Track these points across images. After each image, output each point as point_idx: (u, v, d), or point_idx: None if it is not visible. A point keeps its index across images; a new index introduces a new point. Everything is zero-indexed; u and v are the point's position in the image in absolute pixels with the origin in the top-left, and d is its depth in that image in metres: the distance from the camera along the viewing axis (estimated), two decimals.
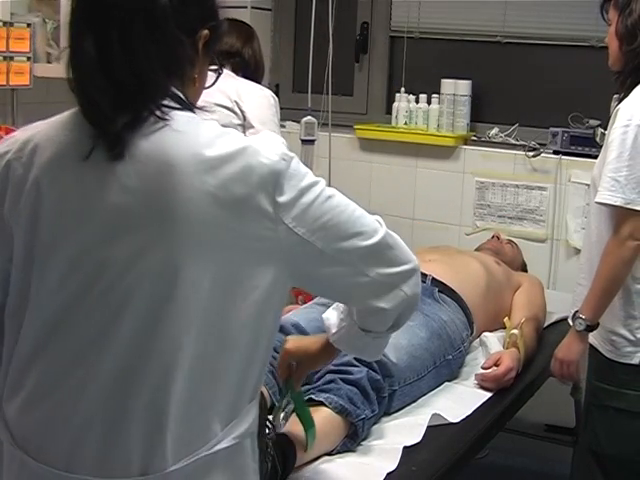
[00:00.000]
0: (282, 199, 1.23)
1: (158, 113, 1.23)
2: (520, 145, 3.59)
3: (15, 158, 1.26)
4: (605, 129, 2.35)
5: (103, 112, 1.21)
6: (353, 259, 1.32)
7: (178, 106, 1.25)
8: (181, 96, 1.27)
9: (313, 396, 1.99)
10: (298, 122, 3.82)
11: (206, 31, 1.29)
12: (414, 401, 2.27)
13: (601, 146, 2.27)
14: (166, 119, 1.23)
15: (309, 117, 3.21)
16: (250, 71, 3.03)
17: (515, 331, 2.56)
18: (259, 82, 3.03)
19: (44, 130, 1.28)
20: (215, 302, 1.23)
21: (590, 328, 2.19)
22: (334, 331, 1.60)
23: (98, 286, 1.21)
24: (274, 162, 1.24)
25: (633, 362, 2.16)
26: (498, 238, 3.38)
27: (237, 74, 2.99)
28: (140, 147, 1.22)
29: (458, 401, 2.31)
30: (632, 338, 2.17)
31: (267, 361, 1.35)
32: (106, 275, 1.21)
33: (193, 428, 1.24)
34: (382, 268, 1.34)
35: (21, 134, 1.30)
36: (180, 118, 1.25)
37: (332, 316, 1.62)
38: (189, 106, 1.28)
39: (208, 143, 1.23)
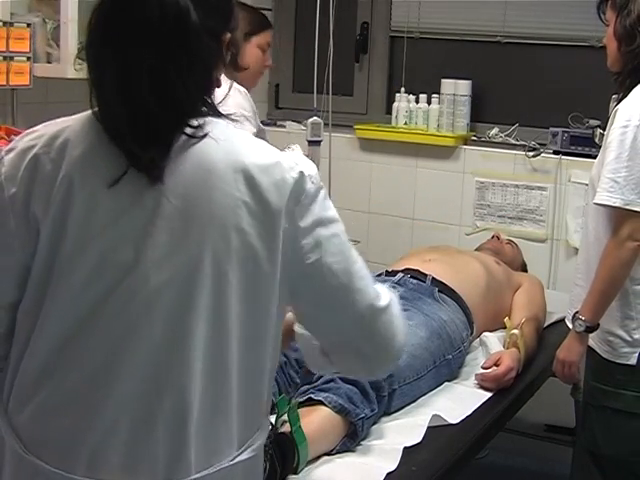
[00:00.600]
0: (303, 223, 1.25)
1: (193, 132, 1.22)
2: (520, 145, 3.59)
3: (43, 153, 1.24)
4: (604, 130, 2.34)
5: (136, 146, 1.19)
6: (344, 315, 1.31)
7: (211, 113, 1.25)
8: (213, 104, 1.27)
9: (312, 395, 1.99)
10: (299, 122, 3.83)
11: (228, 34, 1.28)
12: (414, 401, 2.28)
13: (600, 146, 2.27)
14: (203, 132, 1.23)
15: (315, 118, 3.19)
16: None
17: (515, 331, 2.56)
18: (232, 62, 2.88)
19: (73, 126, 1.26)
20: (232, 309, 1.23)
21: (590, 329, 2.18)
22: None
23: (125, 288, 1.20)
24: (305, 182, 1.25)
25: (630, 363, 2.16)
26: (498, 238, 3.38)
27: None
28: (176, 152, 1.21)
29: (458, 401, 2.31)
30: (629, 339, 2.17)
31: (274, 374, 1.37)
32: (134, 276, 1.20)
33: (216, 439, 1.26)
34: (367, 340, 1.32)
35: (46, 129, 1.27)
36: (216, 125, 1.25)
37: None
38: (219, 113, 1.27)
39: (245, 152, 1.24)
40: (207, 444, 1.25)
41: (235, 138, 1.26)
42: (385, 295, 1.34)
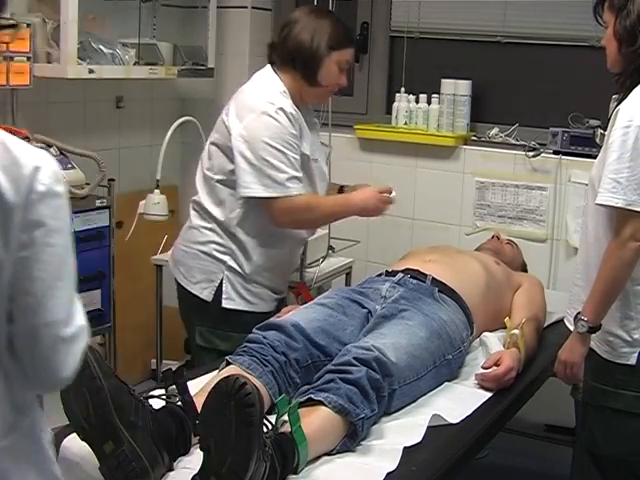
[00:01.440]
0: (27, 217, 1.23)
1: None
2: (520, 145, 3.59)
3: None
4: (604, 130, 2.34)
5: None
6: (23, 322, 1.27)
7: None
8: None
9: (312, 395, 1.99)
10: None
11: None
12: (414, 401, 2.28)
13: (601, 146, 2.27)
14: None
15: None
16: (282, 60, 2.71)
17: (516, 331, 2.56)
18: (307, 75, 2.66)
19: None
20: None
21: (592, 330, 2.18)
22: None
23: None
24: (36, 180, 1.24)
25: (630, 363, 2.16)
26: (498, 238, 3.38)
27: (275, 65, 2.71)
28: None
29: (458, 401, 2.31)
30: (629, 339, 2.16)
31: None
32: None
33: None
34: (29, 357, 1.29)
35: None
36: None
37: None
38: None
39: None
40: None
41: None
42: (77, 326, 1.30)
